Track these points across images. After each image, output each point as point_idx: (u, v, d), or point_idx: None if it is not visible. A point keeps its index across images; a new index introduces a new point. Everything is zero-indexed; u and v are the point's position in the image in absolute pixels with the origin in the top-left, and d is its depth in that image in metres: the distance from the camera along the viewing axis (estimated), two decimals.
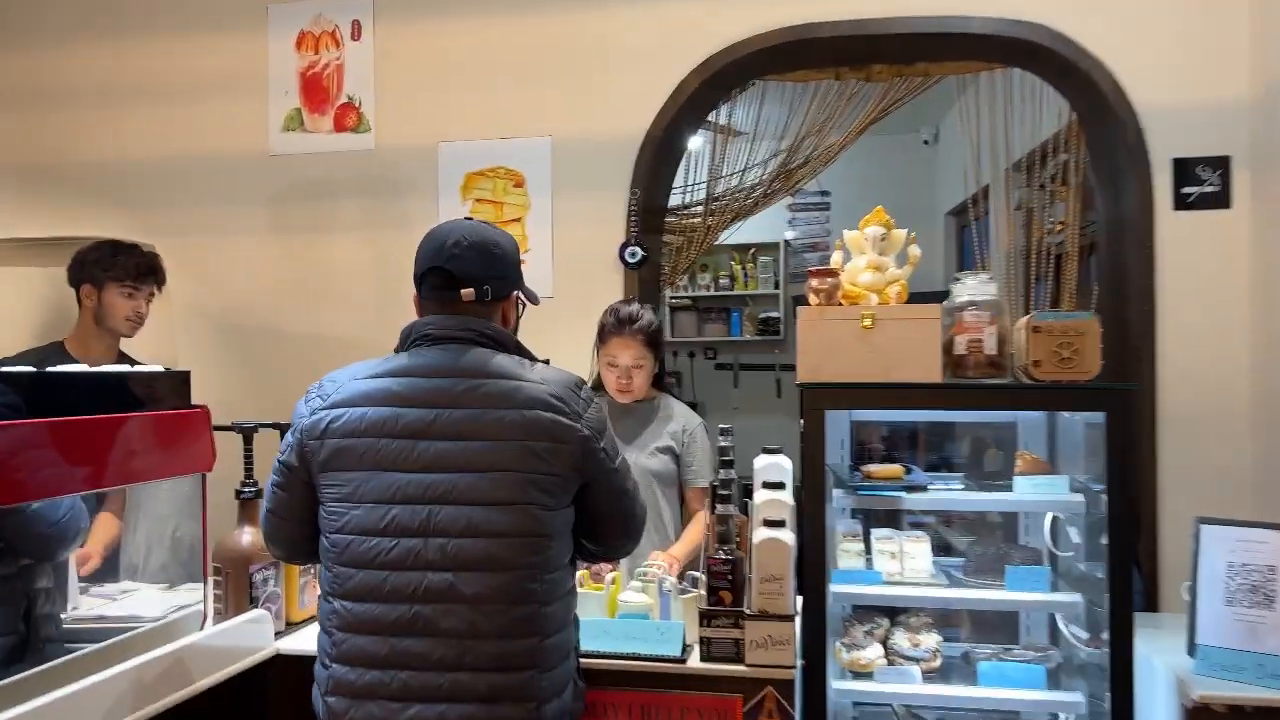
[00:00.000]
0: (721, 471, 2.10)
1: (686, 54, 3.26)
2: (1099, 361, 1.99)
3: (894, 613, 2.30)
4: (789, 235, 6.43)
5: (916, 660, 2.17)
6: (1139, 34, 2.94)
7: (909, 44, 3.06)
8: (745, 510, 2.13)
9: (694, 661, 1.99)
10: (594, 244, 3.39)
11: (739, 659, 1.95)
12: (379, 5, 3.55)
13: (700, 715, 1.93)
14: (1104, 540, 2.08)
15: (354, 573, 1.64)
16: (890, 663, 2.19)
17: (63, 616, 2.09)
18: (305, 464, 1.70)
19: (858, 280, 2.09)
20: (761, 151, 3.57)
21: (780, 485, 2.04)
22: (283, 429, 1.99)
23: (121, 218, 3.68)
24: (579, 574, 2.17)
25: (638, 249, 3.35)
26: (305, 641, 2.19)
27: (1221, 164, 2.82)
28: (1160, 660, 2.11)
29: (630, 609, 2.09)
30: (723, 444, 2.21)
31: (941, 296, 2.21)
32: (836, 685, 2.18)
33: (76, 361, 2.86)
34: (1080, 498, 2.12)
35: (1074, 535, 2.24)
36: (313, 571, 2.35)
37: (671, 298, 6.48)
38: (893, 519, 2.43)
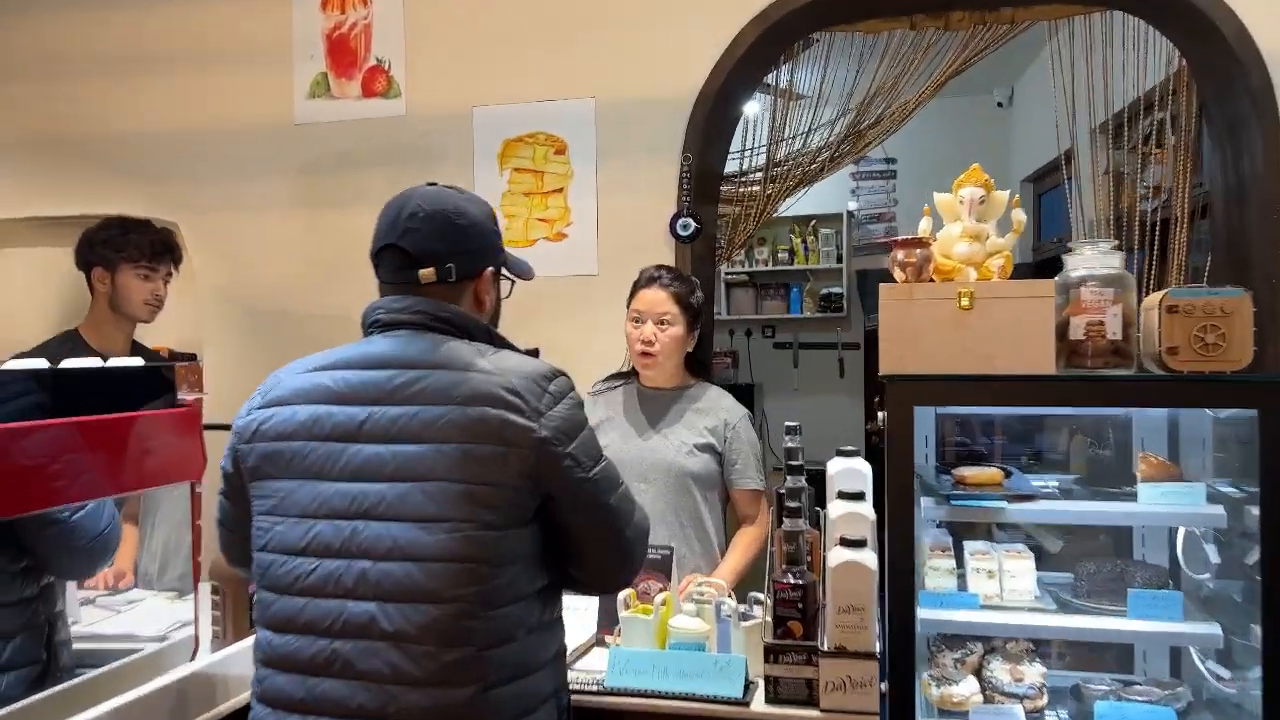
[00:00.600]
0: (789, 479, 1.80)
1: (742, 3, 2.93)
2: (1250, 348, 1.64)
3: (988, 636, 1.98)
4: (852, 206, 6.06)
5: (1019, 698, 1.86)
6: None
7: None
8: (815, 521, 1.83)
9: (758, 704, 1.69)
10: (642, 216, 3.09)
11: (812, 702, 1.66)
12: None
13: None
14: (1248, 559, 1.74)
15: (273, 599, 1.38)
16: (987, 699, 1.88)
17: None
18: (239, 471, 1.45)
19: (952, 252, 1.76)
20: (827, 113, 3.23)
21: (859, 495, 1.74)
22: None
23: (142, 194, 3.47)
24: (625, 593, 1.89)
25: (690, 221, 3.04)
26: None
27: None
28: None
29: (683, 637, 1.80)
30: (789, 444, 1.90)
31: (1020, 271, 1.87)
32: None
33: (94, 352, 2.67)
34: (1220, 509, 1.78)
35: (1211, 553, 1.90)
36: None
37: (727, 273, 6.15)
38: (984, 527, 2.10)
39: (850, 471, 1.78)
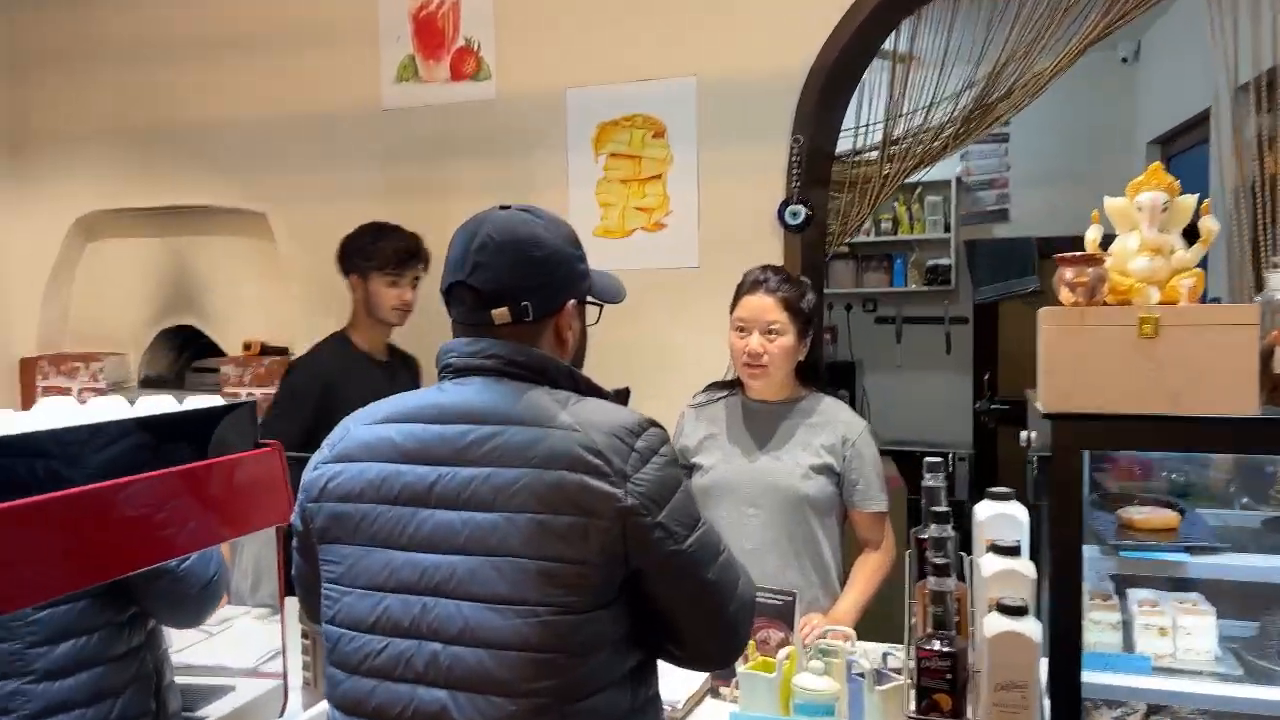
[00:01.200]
0: (934, 527, 1.58)
1: None
2: None
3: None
4: (961, 171, 5.70)
5: None
6: None
7: None
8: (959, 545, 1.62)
9: None
10: (747, 202, 2.87)
11: None
12: None
13: None
14: None
15: (342, 678, 1.25)
16: None
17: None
18: (308, 530, 1.31)
19: (1129, 268, 1.51)
20: (952, 83, 2.94)
21: (1015, 550, 1.52)
22: None
23: (230, 184, 3.39)
24: None
25: (800, 208, 2.81)
26: None
27: None
28: None
29: (811, 699, 1.62)
30: (929, 483, 1.69)
31: None
32: None
33: (361, 353, 2.78)
34: None
35: None
36: None
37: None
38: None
39: (1004, 519, 1.56)
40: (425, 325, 2.57)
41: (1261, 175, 2.87)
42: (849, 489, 2.20)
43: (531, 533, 1.17)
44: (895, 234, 5.87)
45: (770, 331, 2.16)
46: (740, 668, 1.71)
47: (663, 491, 1.21)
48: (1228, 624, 1.79)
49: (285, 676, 1.73)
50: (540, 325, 1.31)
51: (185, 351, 3.72)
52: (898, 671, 1.67)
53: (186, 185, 3.44)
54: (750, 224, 2.87)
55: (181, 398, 1.56)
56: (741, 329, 2.19)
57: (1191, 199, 1.55)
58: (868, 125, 3.06)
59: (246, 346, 3.44)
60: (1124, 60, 5.40)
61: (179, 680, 1.81)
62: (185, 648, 2.04)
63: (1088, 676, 1.59)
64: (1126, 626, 1.73)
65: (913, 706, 1.51)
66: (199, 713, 1.72)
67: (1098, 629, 1.69)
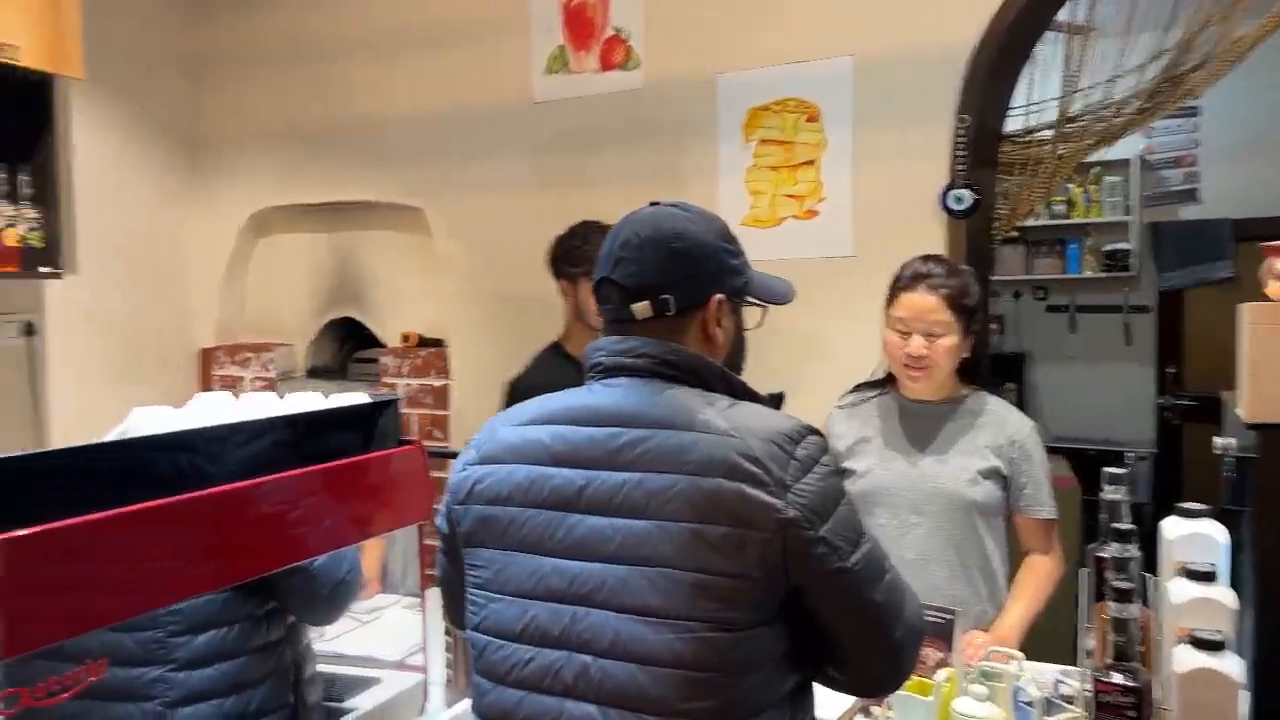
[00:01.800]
0: (1115, 546, 1.43)
1: None
2: None
3: None
4: (1143, 150, 5.28)
5: None
6: None
7: None
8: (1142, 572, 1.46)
9: None
10: (907, 187, 2.72)
11: None
12: None
13: None
14: None
15: (489, 687, 1.21)
16: None
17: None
18: (454, 533, 1.29)
19: None
20: (1137, 53, 2.69)
21: (1212, 576, 1.35)
22: None
23: (390, 179, 3.48)
24: None
25: (966, 192, 2.64)
26: None
27: None
28: None
29: None
30: (1110, 495, 1.53)
31: None
32: None
33: (573, 361, 2.62)
34: None
35: None
36: None
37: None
38: None
39: (1198, 539, 1.39)
40: None
41: None
42: (1015, 493, 2.04)
43: (685, 542, 1.11)
44: (1069, 217, 5.50)
45: (933, 333, 2.01)
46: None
47: (825, 504, 1.14)
48: None
49: (426, 672, 1.73)
50: (684, 321, 1.26)
51: (348, 343, 3.85)
52: (1070, 700, 1.53)
53: (350, 182, 3.55)
54: (910, 210, 2.72)
55: (329, 392, 1.57)
56: (900, 330, 2.05)
57: None
58: (1040, 102, 2.84)
59: (405, 338, 3.53)
60: None
61: (327, 669, 1.85)
62: (336, 636, 2.09)
63: None
64: None
65: None
66: (344, 704, 1.75)
67: None
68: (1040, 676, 1.68)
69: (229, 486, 1.23)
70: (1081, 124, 2.74)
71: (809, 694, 1.23)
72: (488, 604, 1.22)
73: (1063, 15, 2.73)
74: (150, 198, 3.65)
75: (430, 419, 3.40)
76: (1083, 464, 4.27)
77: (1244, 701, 1.36)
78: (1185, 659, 1.29)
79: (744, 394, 1.24)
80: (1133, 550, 1.42)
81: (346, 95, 3.53)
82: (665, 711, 1.10)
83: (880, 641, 1.18)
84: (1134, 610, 1.37)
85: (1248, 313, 1.36)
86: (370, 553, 2.50)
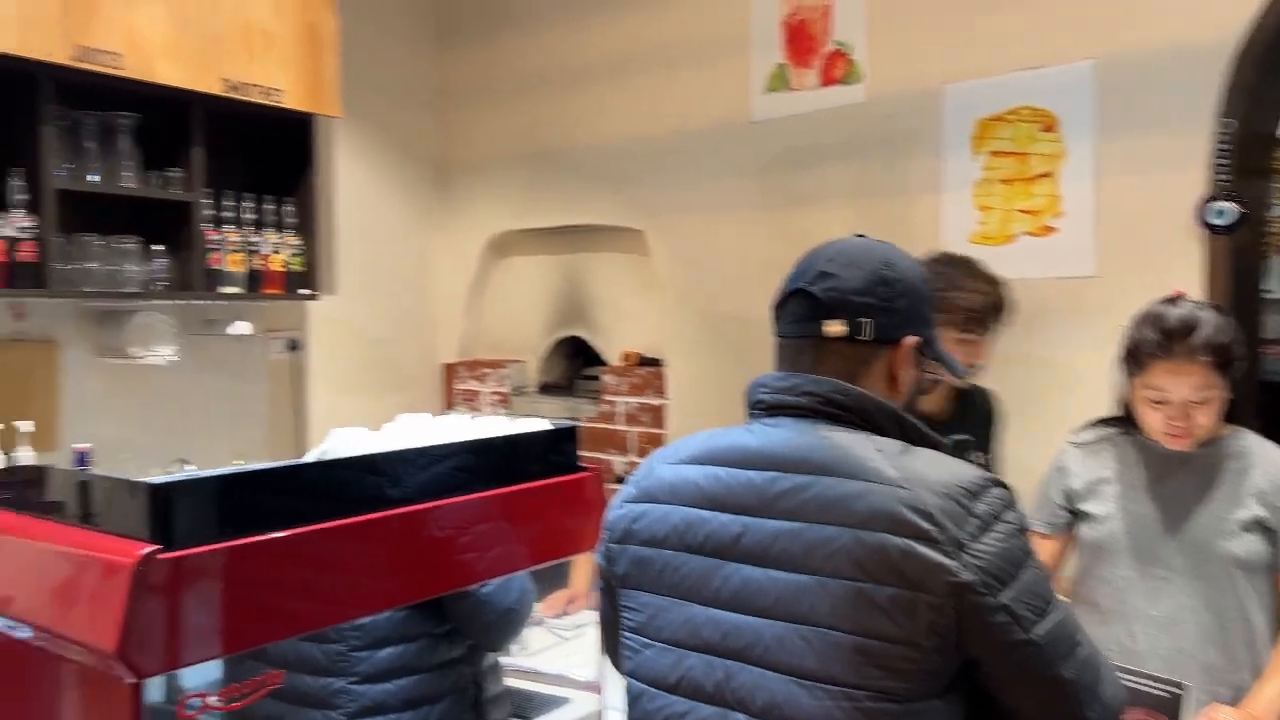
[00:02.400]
0: None
1: None
2: None
3: None
4: None
5: None
6: None
7: None
8: None
9: None
10: (1157, 200, 2.46)
11: None
12: None
13: None
14: None
15: None
16: None
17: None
18: (611, 570, 1.26)
19: None
20: None
21: None
22: None
23: (614, 203, 3.56)
24: None
25: (1229, 204, 2.35)
26: None
27: None
28: None
29: None
30: None
31: None
32: None
33: (921, 415, 2.53)
34: None
35: None
36: None
37: None
38: None
39: None
40: None
41: None
42: None
43: (847, 602, 1.04)
44: None
45: (1200, 401, 1.75)
46: None
47: (1007, 566, 1.03)
48: None
49: (601, 694, 1.73)
50: (872, 353, 1.18)
51: (577, 359, 3.98)
52: None
53: (578, 205, 3.68)
54: (1161, 225, 2.46)
55: (557, 409, 1.62)
56: (1156, 401, 1.78)
57: None
58: None
59: (625, 357, 3.60)
60: None
61: (520, 685, 1.89)
62: (535, 652, 2.14)
63: None
64: None
65: None
66: None
67: None
68: None
69: (414, 507, 1.29)
70: None
71: None
72: (642, 649, 1.20)
73: None
74: (400, 223, 3.95)
75: (647, 437, 3.45)
76: None
77: None
78: None
79: (919, 439, 1.15)
80: None
81: (574, 121, 3.66)
82: None
83: None
84: None
85: None
86: (582, 568, 2.55)
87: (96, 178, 2.76)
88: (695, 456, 1.22)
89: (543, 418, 1.60)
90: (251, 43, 2.95)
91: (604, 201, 3.58)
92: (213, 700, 1.12)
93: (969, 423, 2.17)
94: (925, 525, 1.02)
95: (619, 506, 1.27)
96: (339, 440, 1.42)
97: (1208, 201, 2.38)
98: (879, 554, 1.03)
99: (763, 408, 1.20)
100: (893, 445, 1.11)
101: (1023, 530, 1.07)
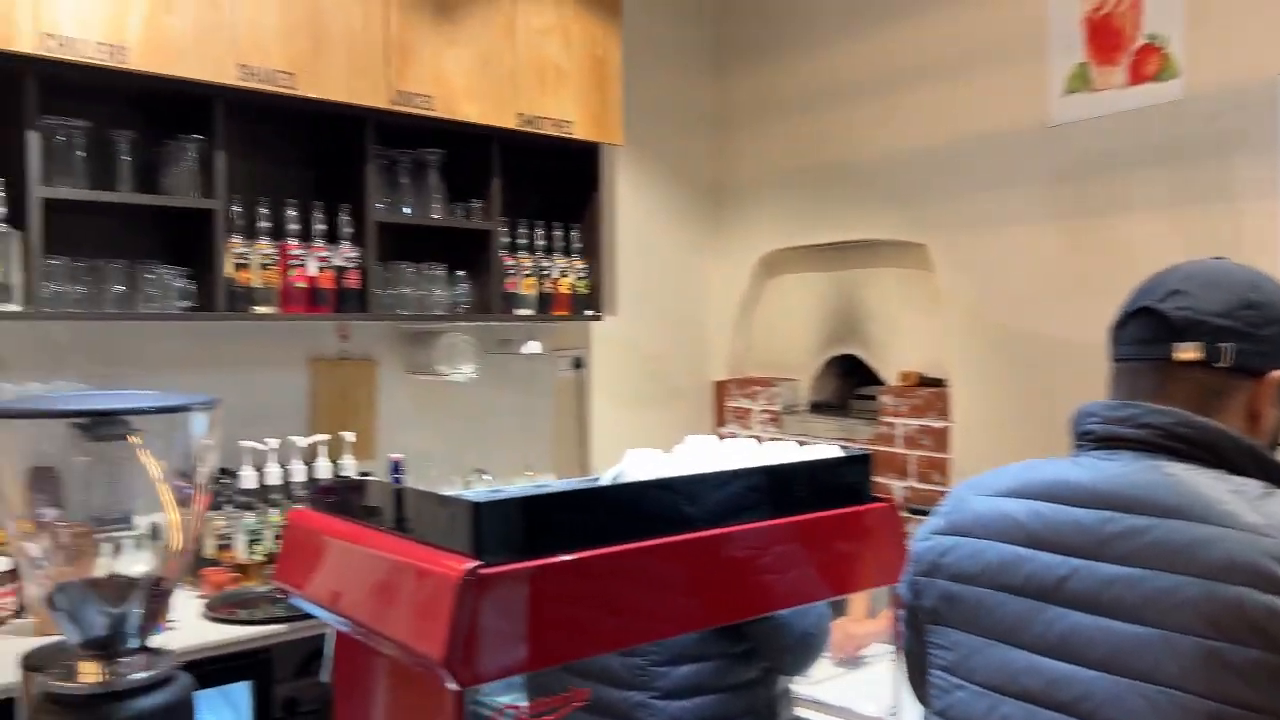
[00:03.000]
0: None
1: None
2: None
3: None
4: None
5: None
6: None
7: None
8: None
9: None
10: None
11: None
12: None
13: None
14: None
15: None
16: None
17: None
18: (917, 605, 1.19)
19: None
20: None
21: None
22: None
23: (892, 216, 3.45)
24: None
25: None
26: None
27: None
28: None
29: None
30: None
31: None
32: None
33: None
34: None
35: None
36: None
37: None
38: None
39: None
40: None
41: None
42: None
43: (1198, 662, 0.92)
44: None
45: None
46: None
47: None
48: None
49: None
50: (1231, 384, 1.05)
51: (850, 379, 3.88)
52: None
53: (853, 221, 3.59)
54: None
55: (829, 429, 1.58)
56: None
57: None
58: None
59: (903, 377, 3.46)
60: None
61: (804, 715, 1.85)
62: (819, 682, 2.09)
63: None
64: None
65: None
66: None
67: None
68: None
69: (718, 530, 1.29)
70: None
71: None
72: (953, 690, 1.13)
73: None
74: (675, 245, 4.03)
75: (927, 462, 3.30)
76: None
77: None
78: None
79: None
80: None
81: (850, 136, 3.58)
82: None
83: None
84: None
85: None
86: (858, 599, 2.47)
87: (409, 210, 3.01)
88: (1013, 489, 1.14)
89: (816, 439, 1.56)
90: (545, 78, 3.12)
91: (883, 215, 3.48)
92: (524, 712, 1.16)
93: None
94: None
95: (926, 538, 1.21)
96: (634, 461, 1.45)
97: None
98: (1236, 611, 0.91)
99: (1092, 439, 1.10)
100: (1253, 487, 0.98)
101: None
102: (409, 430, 3.25)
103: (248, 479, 2.73)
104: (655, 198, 3.95)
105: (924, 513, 2.56)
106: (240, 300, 2.64)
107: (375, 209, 2.88)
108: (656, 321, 3.97)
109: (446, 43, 2.91)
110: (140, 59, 2.38)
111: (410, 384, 3.27)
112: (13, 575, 2.37)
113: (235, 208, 2.67)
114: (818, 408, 3.87)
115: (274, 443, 2.78)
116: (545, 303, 3.27)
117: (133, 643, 1.05)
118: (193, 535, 1.08)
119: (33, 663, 1.08)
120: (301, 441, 2.88)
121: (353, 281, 2.83)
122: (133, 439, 1.04)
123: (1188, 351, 1.05)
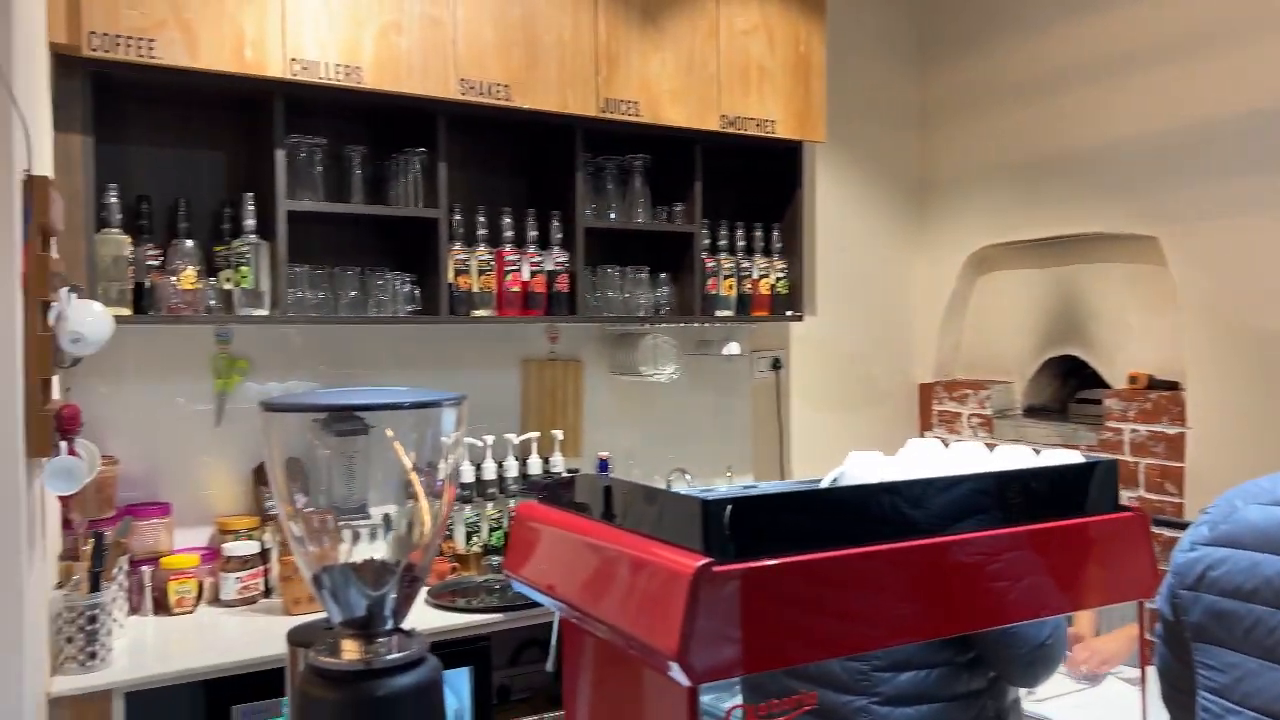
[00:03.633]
0: None
1: None
2: None
3: None
4: None
5: None
6: None
7: None
8: None
9: None
10: None
11: None
12: None
13: None
14: None
15: None
16: None
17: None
18: (1179, 621, 1.11)
19: None
20: None
21: None
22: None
23: (1114, 208, 3.24)
24: None
25: None
26: None
27: None
28: None
29: None
30: None
31: None
32: None
33: None
34: None
35: None
36: None
37: None
38: None
39: None
40: None
41: None
42: None
43: None
44: None
45: None
46: None
47: None
48: None
49: None
50: None
51: (1069, 381, 3.66)
52: None
53: (1072, 214, 3.39)
54: None
55: (1048, 434, 1.49)
56: None
57: None
58: None
59: (1132, 379, 3.23)
60: None
61: None
62: (1047, 698, 1.98)
63: None
64: None
65: None
66: None
67: None
68: None
69: (953, 537, 1.24)
70: None
71: None
72: (1224, 715, 1.04)
73: None
74: (877, 242, 3.93)
75: (1160, 470, 3.06)
76: None
77: None
78: None
79: None
80: None
81: (1071, 124, 3.38)
82: None
83: None
84: None
85: None
86: (1084, 614, 2.33)
87: (614, 215, 3.08)
88: None
89: (1034, 445, 1.47)
90: (748, 79, 3.11)
91: (1107, 207, 3.26)
92: (754, 714, 1.16)
93: None
94: None
95: (1189, 549, 1.12)
96: (856, 464, 1.41)
97: None
98: None
99: None
100: None
101: None
102: (612, 429, 3.32)
103: (466, 474, 2.86)
104: (857, 195, 3.87)
105: (1158, 524, 2.39)
106: (461, 304, 2.77)
107: (584, 215, 2.95)
108: (858, 322, 3.88)
109: (652, 48, 2.95)
110: (373, 78, 2.55)
111: (613, 384, 3.34)
112: (263, 557, 2.58)
113: (455, 216, 2.80)
114: (1033, 411, 3.67)
115: (489, 439, 2.91)
116: (744, 304, 3.26)
117: (388, 624, 1.11)
118: (440, 525, 1.13)
119: (297, 638, 1.17)
120: (514, 439, 2.99)
121: (562, 285, 2.92)
122: (389, 432, 1.11)
123: None
